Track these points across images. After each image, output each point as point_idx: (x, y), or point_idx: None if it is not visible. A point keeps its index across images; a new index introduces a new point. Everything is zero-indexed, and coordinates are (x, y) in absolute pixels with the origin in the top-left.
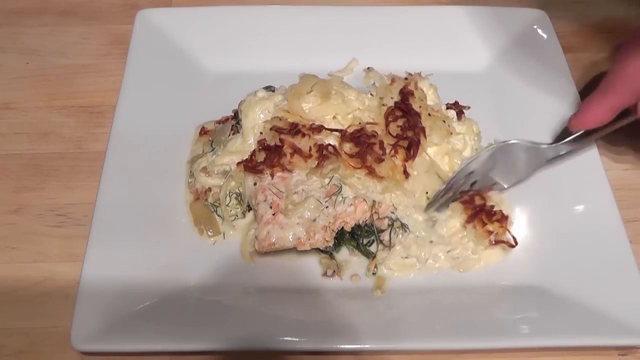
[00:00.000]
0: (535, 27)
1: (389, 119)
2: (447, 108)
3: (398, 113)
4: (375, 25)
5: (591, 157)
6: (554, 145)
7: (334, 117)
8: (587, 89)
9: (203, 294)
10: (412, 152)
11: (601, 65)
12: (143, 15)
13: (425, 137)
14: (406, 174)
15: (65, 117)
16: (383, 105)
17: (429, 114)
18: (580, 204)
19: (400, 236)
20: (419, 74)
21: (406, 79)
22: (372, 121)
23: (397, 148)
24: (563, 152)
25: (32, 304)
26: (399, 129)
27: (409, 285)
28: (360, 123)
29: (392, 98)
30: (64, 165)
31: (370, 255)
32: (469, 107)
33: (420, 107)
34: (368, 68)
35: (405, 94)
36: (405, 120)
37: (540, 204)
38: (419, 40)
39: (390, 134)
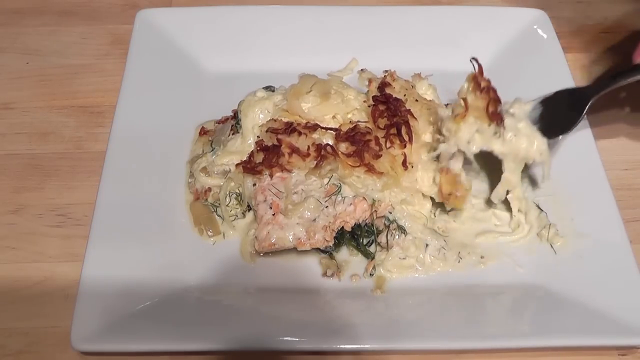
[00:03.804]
0: (535, 27)
1: (376, 115)
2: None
3: (382, 107)
4: (375, 25)
5: (591, 157)
6: (594, 85)
7: (334, 117)
8: None
9: (203, 294)
10: (405, 136)
11: (601, 65)
12: (143, 15)
13: (415, 118)
14: (405, 165)
15: (65, 117)
16: (369, 106)
17: (416, 100)
18: (580, 204)
19: (398, 237)
20: (419, 74)
21: (384, 76)
22: (364, 120)
23: (390, 137)
24: (602, 92)
25: (32, 304)
26: (386, 119)
27: (409, 286)
28: (351, 122)
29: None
30: (64, 165)
31: (370, 256)
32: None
33: (405, 95)
34: (361, 69)
35: (382, 87)
36: (388, 109)
37: (540, 204)
38: (418, 40)
39: (380, 128)
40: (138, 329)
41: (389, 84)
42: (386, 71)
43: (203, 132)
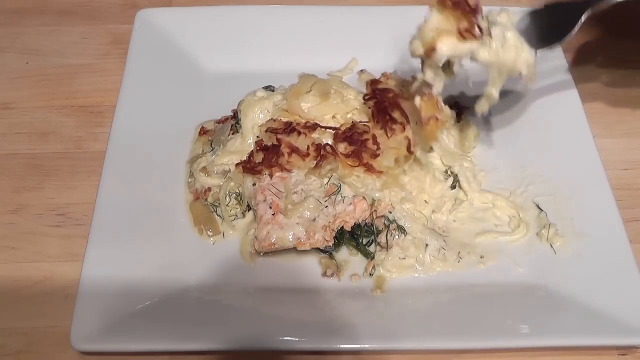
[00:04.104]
0: None
1: (375, 115)
2: None
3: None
4: (375, 25)
5: (591, 157)
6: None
7: (334, 117)
8: (587, 89)
9: (203, 294)
10: (401, 118)
11: (601, 65)
12: (143, 15)
13: (406, 98)
14: (410, 150)
15: (65, 117)
16: (369, 108)
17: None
18: (580, 204)
19: (397, 237)
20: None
21: (380, 78)
22: (365, 121)
23: (388, 125)
24: (597, 5)
25: (32, 304)
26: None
27: (409, 285)
28: (352, 122)
29: None
30: (64, 165)
31: (370, 256)
32: (469, 108)
33: (401, 90)
34: (361, 70)
35: (373, 85)
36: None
37: (540, 204)
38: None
39: (377, 123)
40: (138, 329)
41: (380, 82)
42: (384, 73)
43: (203, 132)
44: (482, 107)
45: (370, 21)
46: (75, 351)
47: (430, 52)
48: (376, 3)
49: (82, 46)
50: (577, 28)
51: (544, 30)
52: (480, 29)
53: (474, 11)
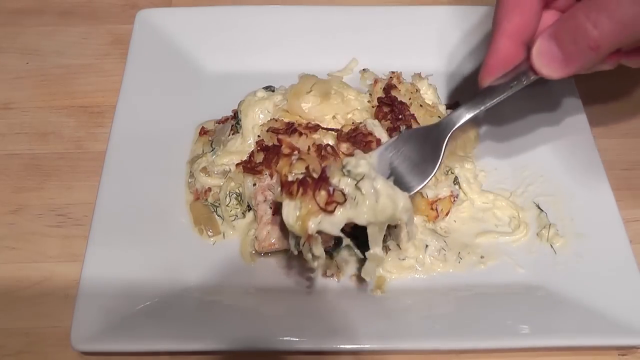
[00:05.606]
0: None
1: (379, 116)
2: (448, 108)
3: (386, 109)
4: (375, 25)
5: (591, 157)
6: (445, 120)
7: (334, 117)
8: (588, 89)
9: (203, 294)
10: None
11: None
12: (143, 15)
13: (419, 123)
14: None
15: (65, 117)
16: (373, 107)
17: (420, 105)
18: (580, 204)
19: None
20: (419, 74)
21: (391, 77)
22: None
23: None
24: (457, 126)
25: (32, 304)
26: (389, 122)
27: (409, 285)
28: (353, 123)
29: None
30: (64, 165)
31: None
32: None
33: (410, 99)
34: (363, 69)
35: (388, 89)
36: (392, 112)
37: (540, 204)
38: (419, 41)
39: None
40: (138, 329)
41: (395, 87)
42: (393, 72)
43: (203, 132)
44: (369, 273)
45: (370, 21)
46: (75, 351)
47: (309, 238)
48: (376, 3)
49: (82, 46)
50: (442, 156)
51: (409, 163)
52: (343, 193)
53: (323, 180)
